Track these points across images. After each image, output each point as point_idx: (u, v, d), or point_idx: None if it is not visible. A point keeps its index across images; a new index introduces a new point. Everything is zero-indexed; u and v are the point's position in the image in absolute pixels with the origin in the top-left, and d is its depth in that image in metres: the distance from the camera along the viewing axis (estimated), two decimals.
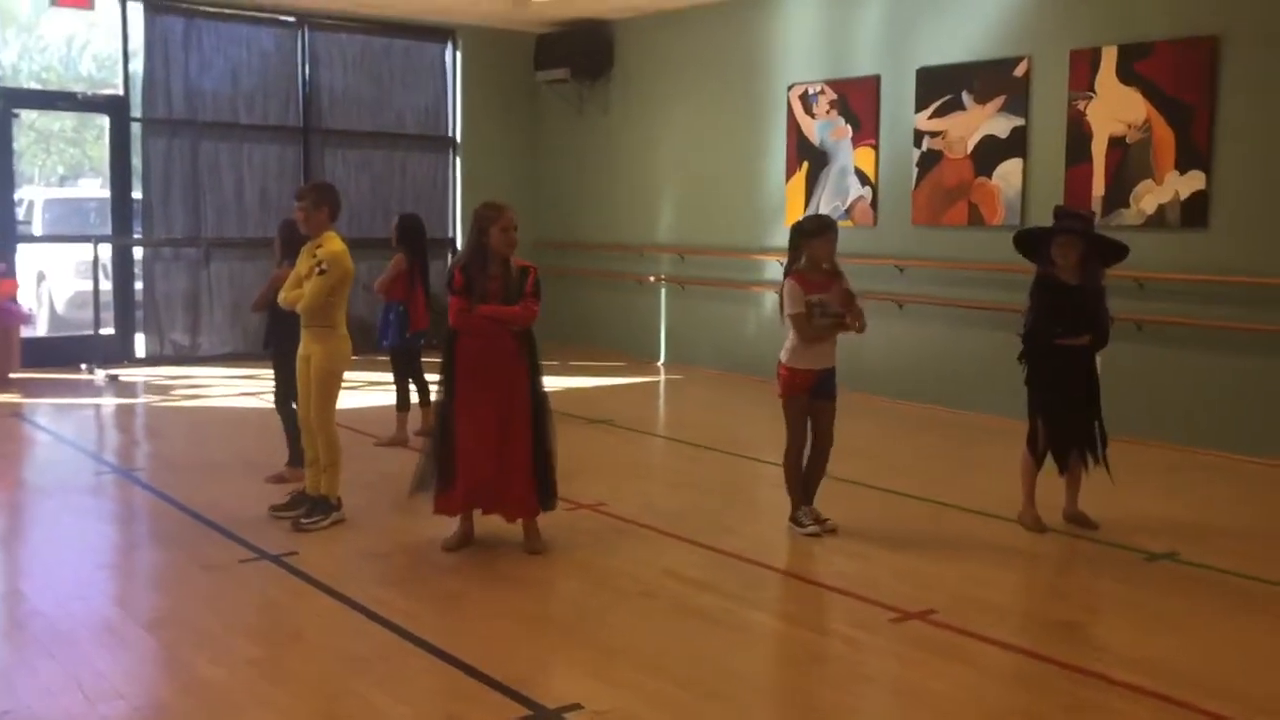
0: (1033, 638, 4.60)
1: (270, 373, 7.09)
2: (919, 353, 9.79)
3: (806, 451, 5.99)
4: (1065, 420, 6.02)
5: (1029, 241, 6.18)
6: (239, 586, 5.15)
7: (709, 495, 6.52)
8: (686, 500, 6.60)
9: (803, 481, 6.02)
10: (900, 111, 9.83)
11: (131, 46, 11.50)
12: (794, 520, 6.00)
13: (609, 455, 7.93)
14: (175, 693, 4.03)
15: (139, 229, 11.87)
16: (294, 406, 6.59)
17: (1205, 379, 8.03)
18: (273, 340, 6.87)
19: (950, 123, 9.46)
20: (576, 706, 3.88)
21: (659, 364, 12.20)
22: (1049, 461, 6.11)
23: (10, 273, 10.87)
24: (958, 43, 9.41)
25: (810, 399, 5.94)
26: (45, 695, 3.96)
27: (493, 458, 5.46)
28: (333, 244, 5.92)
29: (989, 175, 9.20)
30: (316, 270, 5.84)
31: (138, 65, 11.59)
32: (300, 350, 6.04)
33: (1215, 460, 7.80)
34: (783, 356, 5.98)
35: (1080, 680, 4.20)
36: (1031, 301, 6.04)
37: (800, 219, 6.34)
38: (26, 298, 11.69)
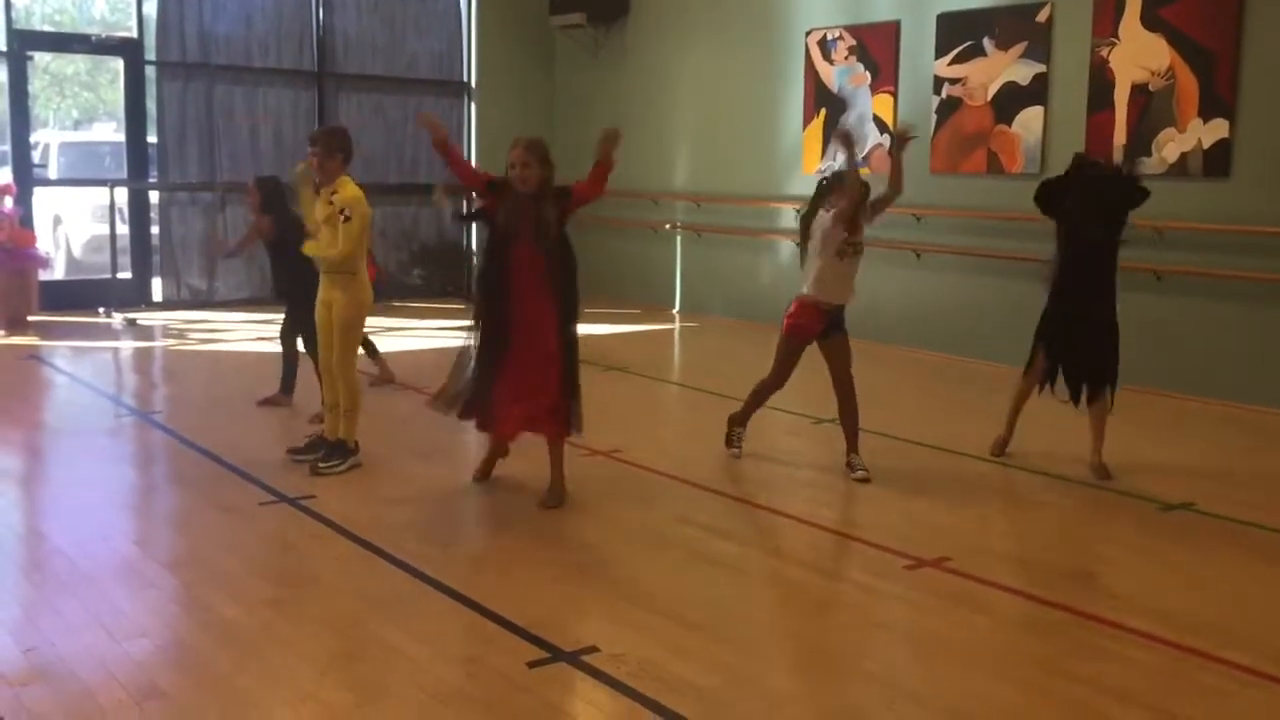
0: (1047, 586, 4.61)
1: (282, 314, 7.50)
2: (935, 302, 9.75)
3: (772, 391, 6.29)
4: (1067, 349, 6.12)
5: (1050, 196, 6.20)
6: (257, 528, 5.20)
7: (723, 442, 6.53)
8: (701, 447, 6.61)
9: (844, 432, 6.09)
10: (920, 58, 9.71)
11: None
12: (728, 441, 6.41)
13: (624, 402, 7.94)
14: (196, 631, 4.07)
15: (154, 173, 11.86)
16: (299, 344, 7.20)
17: (1224, 329, 7.99)
18: (283, 284, 7.23)
19: (970, 69, 9.35)
20: (593, 649, 3.92)
21: (674, 312, 12.18)
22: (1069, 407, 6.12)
23: (28, 221, 10.86)
24: None
25: (821, 338, 6.01)
26: (68, 633, 4.01)
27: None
28: (349, 189, 5.86)
29: (1009, 123, 9.10)
30: (341, 218, 5.78)
31: (151, 8, 11.52)
32: (320, 296, 6.02)
33: (1233, 411, 7.78)
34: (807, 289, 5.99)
35: (1095, 628, 4.21)
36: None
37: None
38: (43, 241, 11.69)
